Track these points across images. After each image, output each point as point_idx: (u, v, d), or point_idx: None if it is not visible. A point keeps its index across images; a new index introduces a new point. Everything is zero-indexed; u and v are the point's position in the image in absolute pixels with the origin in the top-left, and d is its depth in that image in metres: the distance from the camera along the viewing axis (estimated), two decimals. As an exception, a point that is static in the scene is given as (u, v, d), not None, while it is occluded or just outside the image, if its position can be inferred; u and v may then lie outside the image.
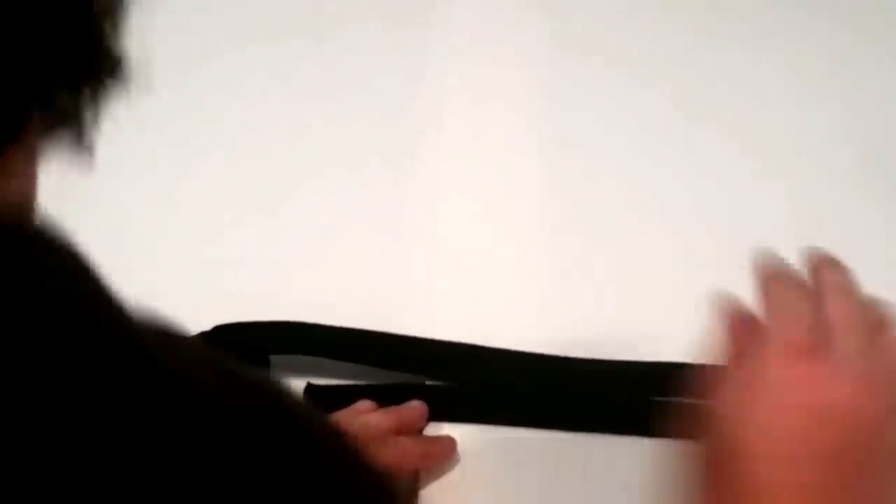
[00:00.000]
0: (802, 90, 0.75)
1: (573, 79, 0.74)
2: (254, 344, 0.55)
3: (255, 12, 0.79)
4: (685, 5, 0.81)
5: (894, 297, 0.60)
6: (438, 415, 0.53)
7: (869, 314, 0.38)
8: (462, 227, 0.63)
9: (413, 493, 0.48)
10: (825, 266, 0.40)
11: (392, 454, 0.46)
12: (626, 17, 0.80)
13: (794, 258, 0.62)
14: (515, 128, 0.70)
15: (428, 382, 0.55)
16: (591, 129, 0.71)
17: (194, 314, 0.55)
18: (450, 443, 0.48)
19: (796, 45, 0.78)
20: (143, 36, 0.79)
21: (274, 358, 0.55)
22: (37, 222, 0.30)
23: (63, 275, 0.26)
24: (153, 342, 0.27)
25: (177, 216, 0.64)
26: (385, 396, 0.54)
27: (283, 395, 0.31)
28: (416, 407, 0.48)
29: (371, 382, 0.55)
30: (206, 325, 0.55)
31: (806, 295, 0.39)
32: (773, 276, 0.41)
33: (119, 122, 0.72)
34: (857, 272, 0.62)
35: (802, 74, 0.76)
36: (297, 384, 0.54)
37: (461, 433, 0.53)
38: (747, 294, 0.60)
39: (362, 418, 0.48)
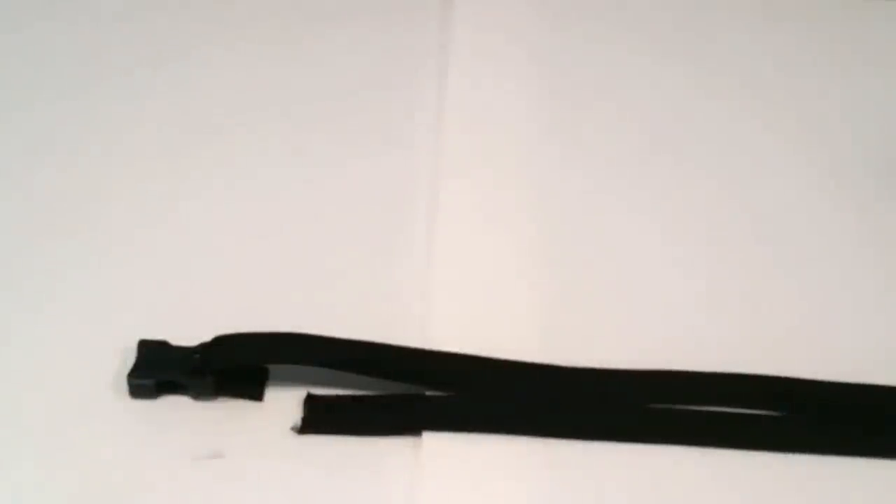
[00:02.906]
0: (807, 93, 0.75)
1: (575, 88, 0.75)
2: (254, 354, 0.55)
3: (244, 15, 0.79)
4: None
5: None
6: (438, 425, 0.54)
7: None
8: (461, 236, 0.64)
9: None
10: None
11: None
12: (630, 22, 0.80)
13: (795, 263, 0.63)
14: (516, 138, 0.71)
15: (427, 392, 0.55)
16: (594, 140, 0.71)
17: (194, 325, 0.56)
18: None
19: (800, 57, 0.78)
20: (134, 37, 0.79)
21: (273, 368, 0.55)
22: None
23: None
24: None
25: (175, 229, 0.64)
26: (385, 406, 0.54)
27: None
28: None
29: (371, 393, 0.55)
30: (206, 336, 0.55)
31: None
32: None
33: (113, 126, 0.73)
34: (863, 276, 0.62)
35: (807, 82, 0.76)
36: (298, 394, 0.54)
37: (461, 442, 0.53)
38: (748, 303, 0.61)
39: None
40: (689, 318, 0.60)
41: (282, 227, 0.64)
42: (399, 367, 0.55)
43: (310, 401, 0.54)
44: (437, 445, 0.53)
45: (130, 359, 0.55)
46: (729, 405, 0.55)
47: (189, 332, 0.55)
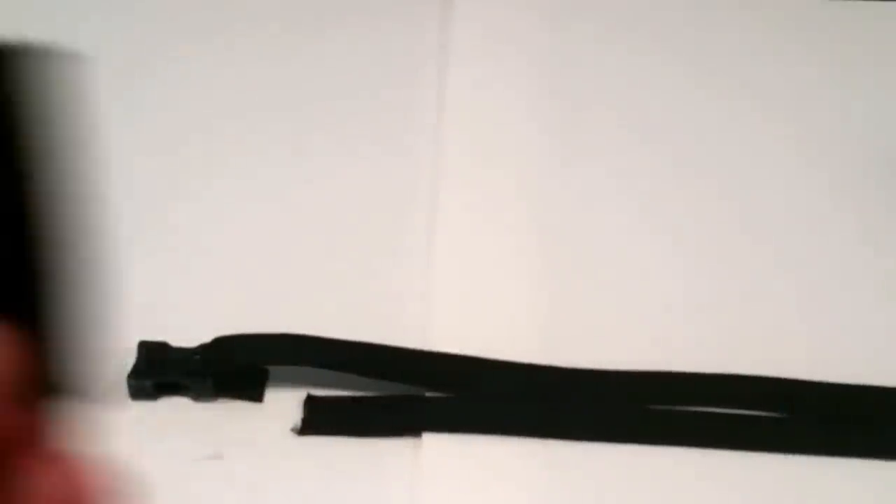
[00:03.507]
0: (807, 93, 0.75)
1: (575, 88, 0.75)
2: (253, 355, 0.55)
3: (244, 15, 0.79)
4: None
5: None
6: (438, 426, 0.54)
7: None
8: (461, 237, 0.64)
9: None
10: None
11: None
12: (630, 22, 0.80)
13: (795, 263, 0.63)
14: (516, 139, 0.71)
15: (427, 393, 0.55)
16: (594, 140, 0.71)
17: (194, 326, 0.56)
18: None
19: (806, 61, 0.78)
20: (134, 32, 0.80)
21: (274, 369, 0.55)
22: None
23: None
24: None
25: (174, 229, 0.64)
26: (385, 407, 0.54)
27: None
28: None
29: (371, 394, 0.55)
30: (206, 337, 0.55)
31: None
32: None
33: (112, 126, 0.73)
34: (863, 276, 0.62)
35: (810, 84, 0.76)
36: (298, 395, 0.54)
37: (460, 443, 0.53)
38: (748, 303, 0.61)
39: None
40: (688, 318, 0.60)
41: (282, 227, 0.64)
42: (399, 368, 0.55)
43: (310, 402, 0.54)
44: (437, 446, 0.53)
45: (130, 359, 0.55)
46: (728, 406, 0.55)
47: (189, 332, 0.55)
